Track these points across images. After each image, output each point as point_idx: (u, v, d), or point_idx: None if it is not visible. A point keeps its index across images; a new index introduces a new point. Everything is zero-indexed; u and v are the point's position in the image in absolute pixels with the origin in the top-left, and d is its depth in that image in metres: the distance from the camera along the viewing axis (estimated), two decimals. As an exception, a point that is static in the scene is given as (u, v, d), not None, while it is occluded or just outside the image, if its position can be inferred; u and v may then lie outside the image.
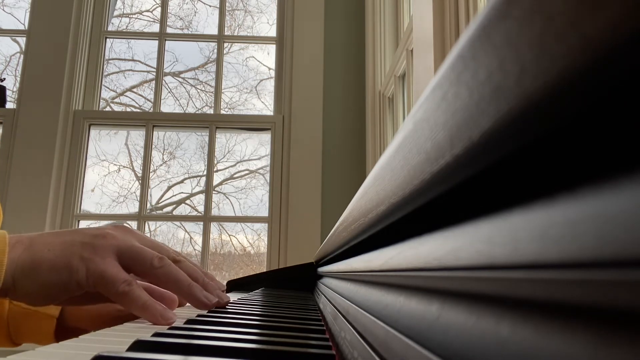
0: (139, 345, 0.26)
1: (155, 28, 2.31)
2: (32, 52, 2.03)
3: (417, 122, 0.15)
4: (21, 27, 2.33)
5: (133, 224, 2.10)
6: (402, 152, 0.17)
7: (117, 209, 2.28)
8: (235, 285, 1.03)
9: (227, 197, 2.36)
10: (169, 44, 2.27)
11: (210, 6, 2.44)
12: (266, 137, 2.17)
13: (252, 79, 2.41)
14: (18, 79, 2.15)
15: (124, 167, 2.38)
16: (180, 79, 2.49)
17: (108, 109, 2.35)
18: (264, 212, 2.12)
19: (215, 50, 2.26)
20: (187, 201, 2.46)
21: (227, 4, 2.29)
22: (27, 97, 1.99)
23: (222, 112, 2.21)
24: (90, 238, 0.42)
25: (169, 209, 2.50)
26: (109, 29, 2.23)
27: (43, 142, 1.96)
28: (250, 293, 0.87)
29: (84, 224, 2.11)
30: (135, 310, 0.40)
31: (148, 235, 2.37)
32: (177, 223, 2.53)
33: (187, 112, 2.41)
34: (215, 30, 2.26)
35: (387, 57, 1.84)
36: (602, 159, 0.08)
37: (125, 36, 2.36)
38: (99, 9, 2.18)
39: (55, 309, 0.53)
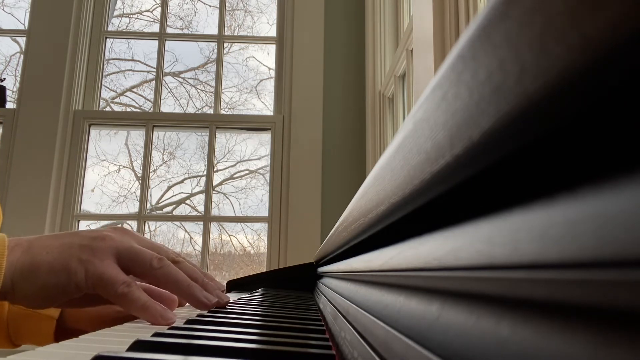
0: (139, 345, 0.26)
1: (155, 28, 2.31)
2: (32, 52, 2.04)
3: (417, 122, 0.15)
4: (21, 27, 2.33)
5: (133, 224, 2.10)
6: (402, 152, 0.17)
7: (117, 209, 2.28)
8: (235, 285, 1.03)
9: (227, 197, 2.36)
10: (169, 44, 2.27)
11: (210, 6, 2.44)
12: (266, 137, 2.17)
13: (252, 79, 2.41)
14: (18, 79, 2.15)
15: (124, 167, 2.38)
16: (180, 79, 2.49)
17: (108, 109, 2.35)
18: (264, 212, 2.12)
19: (215, 50, 2.26)
20: (187, 201, 2.46)
21: (227, 4, 2.29)
22: (27, 97, 2.00)
23: (222, 112, 2.21)
24: (88, 240, 0.42)
25: (169, 209, 2.50)
26: (109, 29, 2.23)
27: (43, 142, 1.96)
28: (250, 293, 0.87)
29: (84, 224, 2.11)
30: (135, 311, 0.40)
31: (148, 235, 2.37)
32: (177, 223, 2.53)
33: (187, 112, 2.41)
34: (215, 30, 2.26)
35: (387, 57, 1.84)
36: (602, 159, 0.08)
37: (125, 36, 2.36)
38: (99, 9, 2.18)
39: (55, 311, 0.53)
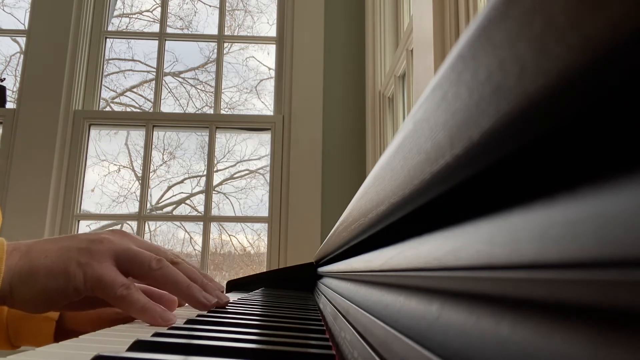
0: (139, 345, 0.26)
1: (155, 28, 2.31)
2: (32, 52, 2.04)
3: (417, 122, 0.15)
4: (21, 27, 2.33)
5: (133, 224, 2.10)
6: (402, 152, 0.17)
7: (117, 209, 2.28)
8: (235, 285, 1.03)
9: (227, 197, 2.36)
10: (169, 44, 2.27)
11: (210, 6, 2.44)
12: (266, 137, 2.17)
13: (252, 79, 2.41)
14: (18, 79, 2.15)
15: (124, 167, 2.38)
16: (180, 79, 2.49)
17: (108, 109, 2.35)
18: (264, 212, 2.12)
19: (215, 50, 2.26)
20: (187, 201, 2.46)
21: (227, 4, 2.29)
22: (27, 97, 2.00)
23: (222, 112, 2.21)
24: (87, 243, 0.42)
25: (169, 209, 2.50)
26: (109, 29, 2.24)
27: (43, 142, 1.96)
28: (250, 293, 0.87)
29: (84, 224, 2.11)
30: (134, 313, 0.40)
31: (148, 235, 2.37)
32: (177, 223, 2.53)
33: (187, 112, 2.41)
34: (215, 30, 2.26)
35: (387, 57, 1.84)
36: (602, 159, 0.08)
37: (125, 36, 2.36)
38: (99, 9, 2.18)
39: (55, 312, 0.53)
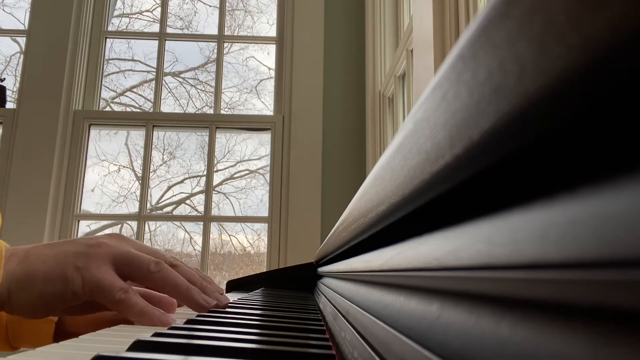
0: (139, 345, 0.26)
1: (155, 28, 2.31)
2: (32, 52, 2.04)
3: (417, 122, 0.15)
4: (21, 27, 2.33)
5: (133, 224, 2.10)
6: (402, 152, 0.17)
7: (117, 209, 2.28)
8: (235, 285, 1.03)
9: (227, 197, 2.36)
10: (169, 44, 2.27)
11: (210, 6, 2.44)
12: (266, 137, 2.17)
13: (252, 79, 2.41)
14: (18, 79, 2.15)
15: (124, 167, 2.38)
16: (180, 79, 2.49)
17: (108, 109, 2.35)
18: (264, 212, 2.12)
19: (215, 50, 2.26)
20: (187, 201, 2.46)
21: (227, 4, 2.29)
22: (27, 97, 2.00)
23: (222, 112, 2.21)
24: (84, 247, 0.42)
25: (169, 209, 2.50)
26: (109, 29, 2.24)
27: (43, 142, 1.96)
28: (250, 293, 0.87)
29: (84, 224, 2.11)
30: (133, 316, 0.40)
31: (148, 235, 2.36)
32: (177, 223, 2.53)
33: (187, 112, 2.41)
34: (215, 30, 2.26)
35: (387, 57, 1.84)
36: (602, 159, 0.08)
37: (125, 36, 2.36)
38: (99, 9, 2.18)
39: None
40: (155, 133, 2.16)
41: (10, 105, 2.11)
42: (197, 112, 2.43)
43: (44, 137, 1.96)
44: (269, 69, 2.36)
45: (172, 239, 2.56)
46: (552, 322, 0.08)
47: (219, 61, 2.21)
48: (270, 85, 2.33)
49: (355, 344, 0.23)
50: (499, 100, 0.09)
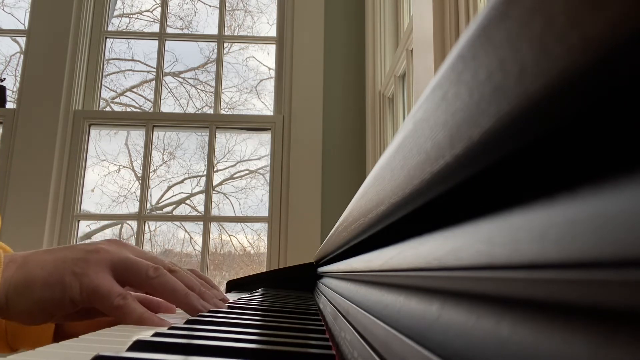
0: (139, 345, 0.26)
1: (155, 28, 2.31)
2: (32, 52, 2.04)
3: (417, 122, 0.15)
4: (21, 27, 2.33)
5: (133, 224, 2.10)
6: (402, 152, 0.17)
7: (117, 209, 2.28)
8: (235, 285, 1.03)
9: (227, 197, 2.36)
10: (169, 44, 2.27)
11: (210, 6, 2.44)
12: (266, 137, 2.17)
13: (252, 79, 2.41)
14: (18, 79, 2.15)
15: (124, 167, 2.38)
16: (180, 79, 2.49)
17: (108, 109, 2.35)
18: (264, 212, 2.12)
19: (215, 50, 2.26)
20: (187, 201, 2.46)
21: (227, 4, 2.29)
22: (27, 97, 2.00)
23: (222, 112, 2.21)
24: (83, 253, 0.42)
25: (169, 209, 2.50)
26: (109, 29, 2.24)
27: (43, 142, 1.96)
28: (250, 293, 0.87)
29: (84, 224, 2.11)
30: (131, 323, 0.40)
31: (148, 235, 2.36)
32: (177, 223, 2.53)
33: (187, 112, 2.41)
34: (215, 30, 2.26)
35: (387, 57, 1.84)
36: (602, 159, 0.08)
37: (125, 36, 2.36)
38: (99, 9, 2.18)
39: None
40: (155, 133, 2.16)
41: (10, 105, 2.11)
42: (197, 112, 2.43)
43: (44, 137, 1.97)
44: (269, 69, 2.36)
45: (172, 239, 2.56)
46: (552, 322, 0.08)
47: (219, 61, 2.21)
48: (270, 85, 2.33)
49: (355, 344, 0.23)
50: (499, 100, 0.09)
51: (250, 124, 2.13)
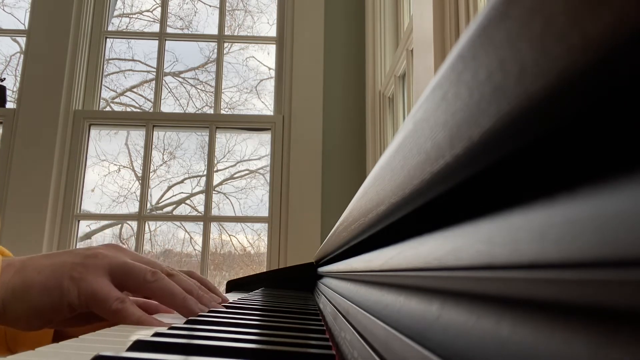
0: (139, 345, 0.26)
1: (155, 28, 2.31)
2: (32, 52, 2.04)
3: (417, 122, 0.15)
4: (21, 27, 2.33)
5: (133, 224, 2.10)
6: (402, 152, 0.17)
7: (117, 209, 2.28)
8: (235, 285, 1.03)
9: (227, 197, 2.36)
10: (169, 44, 2.27)
11: (210, 6, 2.44)
12: (266, 137, 2.17)
13: (252, 79, 2.41)
14: (18, 79, 2.15)
15: (124, 167, 2.38)
16: (180, 79, 2.49)
17: (108, 109, 2.35)
18: (264, 212, 2.12)
19: (215, 50, 2.26)
20: (187, 201, 2.46)
21: (227, 4, 2.29)
22: (27, 97, 2.00)
23: (222, 112, 2.21)
24: (81, 258, 0.42)
25: (169, 209, 2.50)
26: (109, 29, 2.24)
27: (43, 142, 1.96)
28: (250, 293, 0.87)
29: (84, 224, 2.11)
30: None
31: (148, 235, 2.36)
32: (177, 223, 2.53)
33: (187, 112, 2.41)
34: (215, 30, 2.26)
35: (387, 57, 1.84)
36: (602, 159, 0.08)
37: (125, 36, 2.36)
38: (99, 9, 2.18)
39: None
40: (155, 133, 2.16)
41: (10, 105, 2.11)
42: (197, 112, 2.43)
43: (44, 137, 1.97)
44: (269, 69, 2.36)
45: (172, 239, 2.56)
46: (552, 322, 0.08)
47: (219, 61, 2.21)
48: (270, 85, 2.33)
49: (355, 344, 0.23)
50: (499, 100, 0.09)
51: (250, 124, 2.13)
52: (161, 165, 2.37)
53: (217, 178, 2.27)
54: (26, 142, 1.96)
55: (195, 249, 2.49)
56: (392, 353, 0.16)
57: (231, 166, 2.38)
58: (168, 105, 2.40)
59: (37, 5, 2.08)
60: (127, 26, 2.45)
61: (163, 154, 2.36)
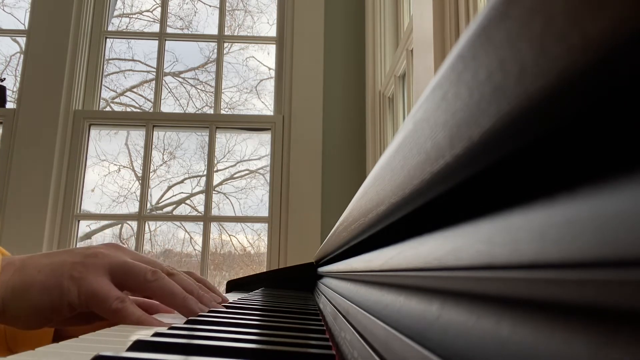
0: (139, 345, 0.26)
1: (155, 28, 2.31)
2: (32, 52, 2.04)
3: (417, 122, 0.15)
4: (21, 27, 2.33)
5: (133, 224, 2.10)
6: (402, 152, 0.17)
7: (117, 209, 2.28)
8: (235, 285, 1.03)
9: (227, 197, 2.36)
10: (169, 44, 2.27)
11: (210, 6, 2.44)
12: (266, 137, 2.17)
13: (252, 79, 2.41)
14: (18, 79, 2.15)
15: (124, 167, 2.38)
16: (180, 79, 2.49)
17: (108, 109, 2.35)
18: (264, 212, 2.12)
19: (215, 50, 2.26)
20: (187, 201, 2.46)
21: (227, 4, 2.29)
22: (27, 97, 2.00)
23: (222, 112, 2.21)
24: (81, 257, 0.42)
25: (169, 209, 2.50)
26: (109, 29, 2.24)
27: (43, 142, 1.96)
28: (250, 293, 0.87)
29: (84, 224, 2.11)
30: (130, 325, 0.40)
31: (148, 235, 2.36)
32: (177, 223, 2.53)
33: (187, 112, 2.41)
34: (215, 30, 2.26)
35: (387, 57, 1.84)
36: (602, 159, 0.08)
37: (125, 36, 2.36)
38: (99, 9, 2.18)
39: None
40: (155, 133, 2.16)
41: (10, 105, 2.11)
42: (197, 112, 2.43)
43: (44, 137, 1.97)
44: (269, 69, 2.36)
45: (172, 239, 2.56)
46: (552, 322, 0.08)
47: (219, 61, 2.21)
48: (270, 85, 2.33)
49: (355, 344, 0.23)
50: (499, 100, 0.09)
51: (250, 124, 2.13)
52: (161, 165, 2.37)
53: (217, 178, 2.27)
54: (26, 142, 1.96)
55: (195, 249, 2.49)
56: (392, 353, 0.16)
57: (231, 166, 2.38)
58: (168, 105, 2.40)
59: (37, 5, 2.08)
60: (127, 26, 2.45)
61: (163, 154, 2.36)
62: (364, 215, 0.26)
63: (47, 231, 1.90)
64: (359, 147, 1.99)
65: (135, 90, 2.48)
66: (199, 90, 2.50)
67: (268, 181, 2.08)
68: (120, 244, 0.47)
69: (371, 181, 0.25)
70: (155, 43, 2.22)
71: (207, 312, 0.45)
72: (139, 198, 2.06)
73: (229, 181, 2.39)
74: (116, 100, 2.47)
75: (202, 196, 2.17)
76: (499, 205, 0.11)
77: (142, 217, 2.04)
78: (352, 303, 0.31)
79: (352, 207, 0.34)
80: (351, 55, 2.09)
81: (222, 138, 2.31)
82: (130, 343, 0.26)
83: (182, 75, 2.49)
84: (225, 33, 2.26)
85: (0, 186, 1.93)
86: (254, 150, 2.36)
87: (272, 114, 2.16)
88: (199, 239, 2.17)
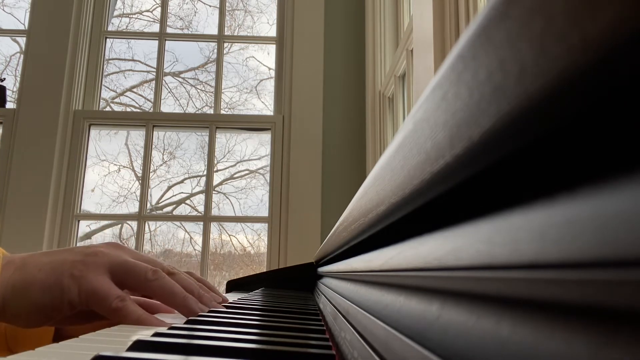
0: (139, 345, 0.26)
1: (155, 28, 2.31)
2: (32, 52, 2.04)
3: (417, 122, 0.15)
4: (21, 27, 2.33)
5: (133, 224, 2.10)
6: (402, 152, 0.17)
7: (117, 209, 2.28)
8: (235, 285, 1.03)
9: (227, 197, 2.36)
10: (169, 44, 2.27)
11: (210, 6, 2.44)
12: (266, 137, 2.17)
13: (252, 79, 2.41)
14: (18, 79, 2.15)
15: (124, 167, 2.38)
16: (180, 79, 2.49)
17: (108, 109, 2.35)
18: (264, 212, 2.12)
19: (215, 50, 2.26)
20: (187, 201, 2.46)
21: (227, 4, 2.29)
22: (27, 97, 2.00)
23: (222, 112, 2.21)
24: (81, 256, 0.42)
25: (169, 209, 2.50)
26: (109, 29, 2.24)
27: (43, 142, 1.96)
28: (250, 293, 0.87)
29: (84, 224, 2.11)
30: (130, 325, 0.40)
31: (148, 235, 2.36)
32: (177, 223, 2.53)
33: (187, 112, 2.41)
34: (215, 30, 2.26)
35: (387, 57, 1.84)
36: (602, 159, 0.08)
37: (125, 36, 2.36)
38: (99, 9, 2.18)
39: None
40: (155, 133, 2.16)
41: (10, 105, 2.11)
42: (197, 112, 2.43)
43: (44, 137, 1.97)
44: (269, 69, 2.36)
45: (172, 239, 2.56)
46: (552, 322, 0.08)
47: (219, 61, 2.21)
48: (270, 85, 2.33)
49: (355, 344, 0.23)
50: (499, 100, 0.09)
51: (250, 124, 2.13)
52: (161, 165, 2.37)
53: (217, 178, 2.27)
54: (26, 142, 1.96)
55: (195, 249, 2.49)
56: (392, 353, 0.16)
57: (231, 166, 2.38)
58: (168, 105, 2.40)
59: (37, 5, 2.08)
60: (127, 26, 2.45)
61: (163, 154, 2.36)
62: (364, 215, 0.26)
63: (47, 231, 1.90)
64: (359, 147, 1.99)
65: (135, 90, 2.48)
66: (199, 90, 2.50)
67: (268, 181, 2.08)
68: (121, 243, 0.47)
69: (371, 181, 0.25)
70: (155, 43, 2.22)
71: (207, 312, 0.45)
72: (139, 198, 2.06)
73: (229, 181, 2.39)
74: (116, 100, 2.47)
75: (202, 196, 2.17)
76: (499, 205, 0.11)
77: (142, 217, 2.04)
78: (352, 303, 0.31)
79: (352, 207, 0.34)
80: (351, 55, 2.09)
81: (222, 138, 2.31)
82: (130, 343, 0.26)
83: (182, 75, 2.49)
84: (225, 33, 2.26)
85: (0, 186, 1.93)
86: (254, 150, 2.36)
87: (272, 114, 2.16)
88: (199, 239, 2.17)
